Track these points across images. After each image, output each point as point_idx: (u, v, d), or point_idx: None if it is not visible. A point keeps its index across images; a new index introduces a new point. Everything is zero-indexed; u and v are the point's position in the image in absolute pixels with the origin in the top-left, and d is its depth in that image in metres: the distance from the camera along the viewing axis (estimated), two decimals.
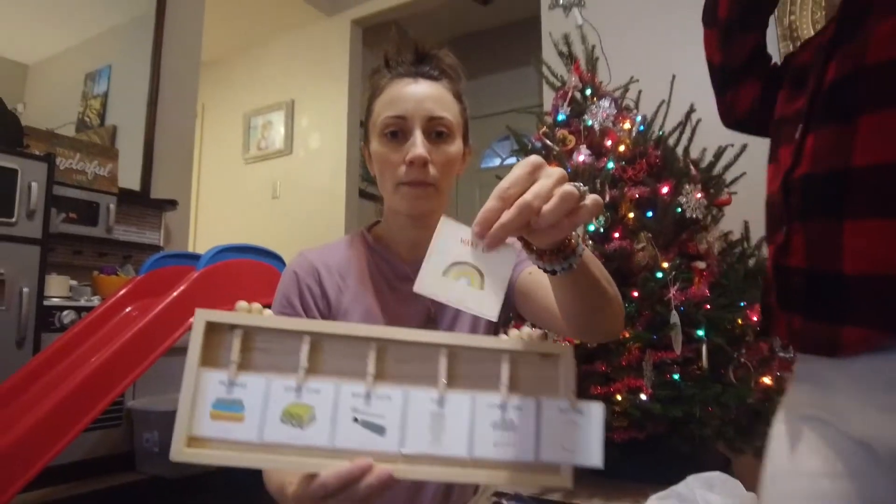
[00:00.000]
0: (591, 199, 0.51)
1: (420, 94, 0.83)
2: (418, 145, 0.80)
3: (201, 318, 0.55)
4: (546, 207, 0.48)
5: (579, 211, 0.50)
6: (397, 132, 0.82)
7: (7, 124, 1.97)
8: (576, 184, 0.50)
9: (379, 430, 0.54)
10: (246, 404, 0.53)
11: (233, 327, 0.56)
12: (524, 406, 0.56)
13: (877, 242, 0.56)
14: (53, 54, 2.55)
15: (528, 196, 0.48)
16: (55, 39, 2.54)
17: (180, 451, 0.52)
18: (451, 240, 0.53)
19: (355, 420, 0.54)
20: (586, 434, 0.55)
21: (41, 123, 2.29)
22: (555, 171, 0.50)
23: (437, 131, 0.83)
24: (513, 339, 0.58)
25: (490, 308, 0.51)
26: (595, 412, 0.55)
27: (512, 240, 0.52)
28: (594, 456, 0.54)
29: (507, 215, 0.49)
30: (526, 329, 0.60)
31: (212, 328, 0.55)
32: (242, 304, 0.58)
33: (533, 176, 0.50)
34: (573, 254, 0.57)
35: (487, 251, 0.52)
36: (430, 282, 0.52)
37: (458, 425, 0.55)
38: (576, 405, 0.55)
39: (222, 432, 0.53)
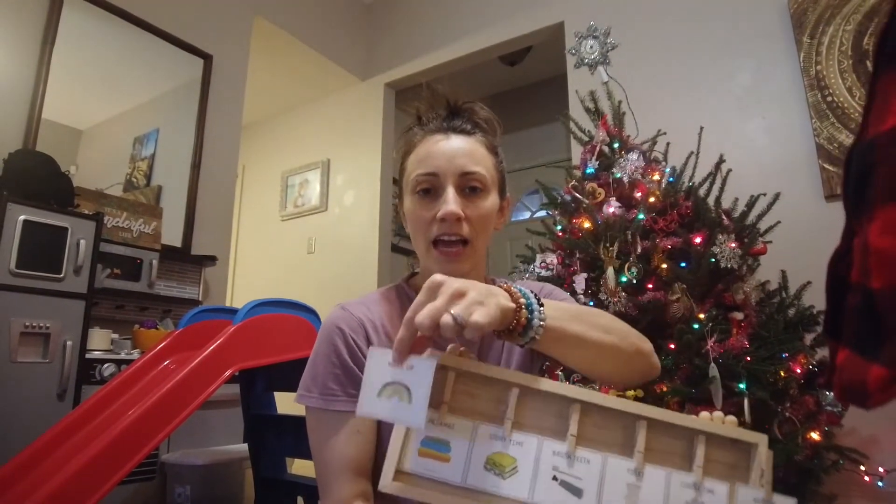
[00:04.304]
0: (470, 322, 0.53)
1: (452, 149, 0.81)
2: (450, 202, 0.78)
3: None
4: (418, 320, 0.53)
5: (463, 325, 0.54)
6: (430, 189, 0.80)
7: (60, 185, 2.08)
8: (455, 314, 0.53)
9: (577, 491, 0.55)
10: (452, 445, 0.55)
11: (444, 368, 0.57)
12: (717, 490, 0.56)
13: None
14: (105, 120, 2.70)
15: (408, 314, 0.54)
16: (107, 106, 2.71)
17: (388, 484, 0.53)
18: (379, 364, 0.56)
19: (555, 478, 0.55)
20: None
21: (91, 184, 2.41)
22: (445, 291, 0.55)
23: (470, 186, 0.80)
24: (707, 420, 0.59)
25: (416, 419, 0.53)
26: None
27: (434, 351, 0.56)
28: None
29: (399, 333, 0.54)
30: (718, 413, 0.61)
31: None
32: (452, 346, 0.60)
33: (430, 299, 0.55)
34: (530, 327, 0.60)
35: (401, 367, 0.55)
36: (366, 405, 0.54)
37: (653, 500, 0.55)
38: (771, 497, 0.56)
39: (428, 470, 0.54)
